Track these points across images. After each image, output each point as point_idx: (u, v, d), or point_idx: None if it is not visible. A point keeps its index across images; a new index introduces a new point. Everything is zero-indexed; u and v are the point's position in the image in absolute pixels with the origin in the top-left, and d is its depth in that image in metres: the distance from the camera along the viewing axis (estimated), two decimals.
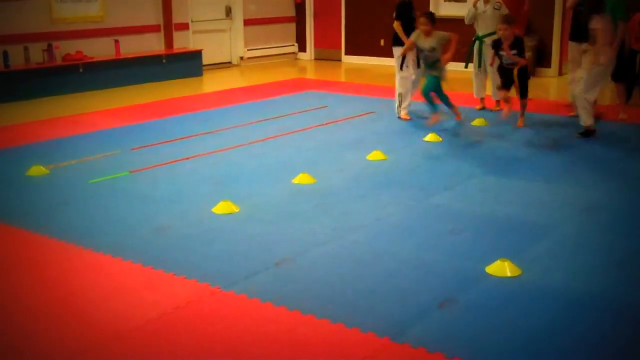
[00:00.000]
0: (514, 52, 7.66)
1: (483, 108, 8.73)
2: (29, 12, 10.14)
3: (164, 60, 11.56)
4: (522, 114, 7.90)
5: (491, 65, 8.30)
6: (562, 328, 3.43)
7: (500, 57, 7.78)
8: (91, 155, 6.71)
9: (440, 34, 7.80)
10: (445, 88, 7.96)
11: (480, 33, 8.58)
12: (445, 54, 7.74)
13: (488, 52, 8.41)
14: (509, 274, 3.98)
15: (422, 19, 7.82)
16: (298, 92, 10.34)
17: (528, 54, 10.05)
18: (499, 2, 8.48)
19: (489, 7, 8.47)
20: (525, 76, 7.78)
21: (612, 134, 7.58)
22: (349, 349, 3.26)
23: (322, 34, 14.21)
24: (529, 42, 10.36)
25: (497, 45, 7.84)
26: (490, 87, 8.70)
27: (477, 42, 8.61)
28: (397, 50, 8.21)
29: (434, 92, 7.87)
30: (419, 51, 7.94)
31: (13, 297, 3.86)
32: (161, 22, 11.88)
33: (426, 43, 7.76)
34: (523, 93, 7.81)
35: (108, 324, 3.51)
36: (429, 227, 4.80)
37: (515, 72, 7.71)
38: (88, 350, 3.28)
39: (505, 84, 7.86)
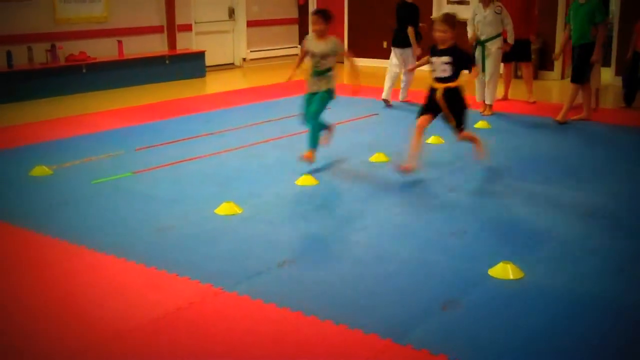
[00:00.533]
0: (446, 59, 5.74)
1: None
2: (32, 12, 10.16)
3: (167, 61, 11.57)
4: (478, 146, 6.18)
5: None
6: (563, 328, 3.44)
7: (432, 64, 5.93)
8: (94, 155, 6.72)
9: (337, 42, 6.36)
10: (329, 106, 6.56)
11: (482, 38, 8.55)
12: (354, 79, 6.50)
13: (494, 57, 8.42)
14: (511, 277, 3.98)
15: (313, 17, 6.38)
16: (301, 94, 10.30)
17: (532, 57, 10.03)
18: (499, 6, 8.45)
19: (489, 12, 8.43)
20: (455, 103, 5.83)
21: (612, 136, 7.57)
22: (352, 350, 3.26)
23: None
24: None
25: (431, 50, 5.97)
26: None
27: (479, 47, 8.57)
28: (409, 51, 9.00)
29: (316, 112, 6.35)
30: (310, 57, 6.39)
31: (13, 297, 3.86)
32: (164, 23, 11.90)
33: (318, 47, 6.27)
34: (458, 123, 5.87)
35: (109, 324, 3.51)
36: (432, 229, 4.80)
37: (440, 92, 5.77)
38: (88, 350, 3.28)
39: (426, 108, 5.93)
